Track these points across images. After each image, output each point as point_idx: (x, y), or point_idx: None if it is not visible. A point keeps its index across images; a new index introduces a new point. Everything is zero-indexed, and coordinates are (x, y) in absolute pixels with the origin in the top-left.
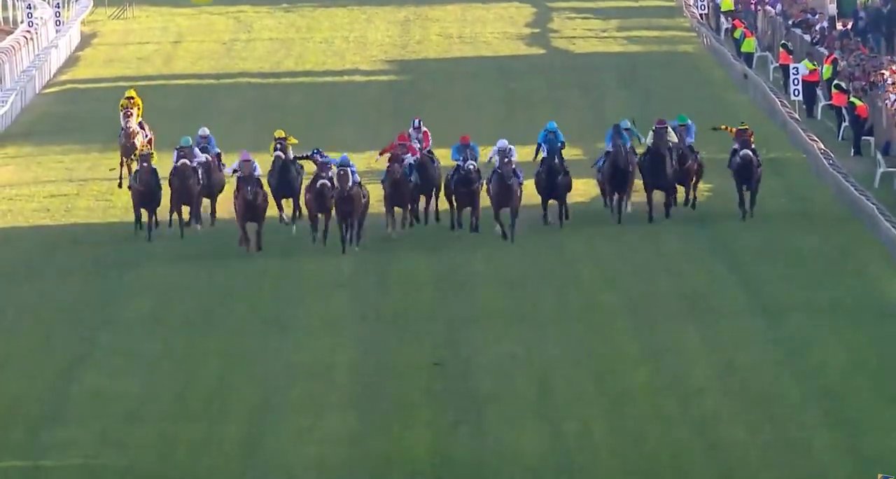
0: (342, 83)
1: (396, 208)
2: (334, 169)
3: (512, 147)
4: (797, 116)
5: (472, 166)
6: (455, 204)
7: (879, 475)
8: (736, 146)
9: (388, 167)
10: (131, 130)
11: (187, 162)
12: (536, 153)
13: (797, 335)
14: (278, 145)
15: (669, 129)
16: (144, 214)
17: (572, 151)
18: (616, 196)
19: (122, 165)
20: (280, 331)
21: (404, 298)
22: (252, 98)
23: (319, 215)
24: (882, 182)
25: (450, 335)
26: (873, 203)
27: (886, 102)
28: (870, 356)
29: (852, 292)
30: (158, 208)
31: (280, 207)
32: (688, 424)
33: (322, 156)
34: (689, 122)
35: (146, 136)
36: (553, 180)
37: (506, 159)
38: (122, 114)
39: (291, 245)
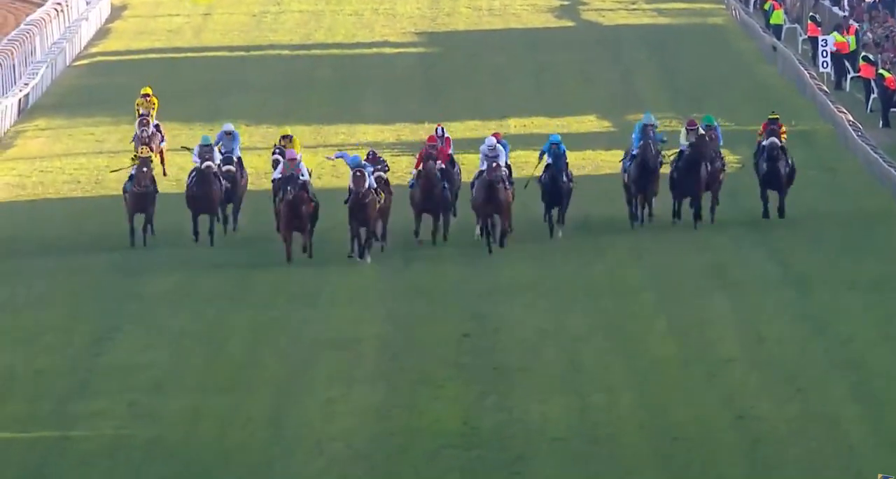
0: (371, 55)
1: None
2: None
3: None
4: (826, 87)
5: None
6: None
7: (879, 476)
8: (764, 142)
9: (422, 166)
10: (146, 138)
11: (211, 164)
12: (539, 162)
13: (825, 308)
14: (277, 149)
15: (701, 129)
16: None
17: (603, 123)
18: (640, 197)
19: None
20: (307, 304)
21: (431, 271)
22: (281, 70)
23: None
24: None
25: (477, 308)
26: None
27: None
28: (895, 329)
29: (880, 265)
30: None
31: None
32: (714, 396)
33: (377, 159)
34: (716, 123)
35: (161, 140)
36: (557, 188)
37: (493, 164)
38: (137, 122)
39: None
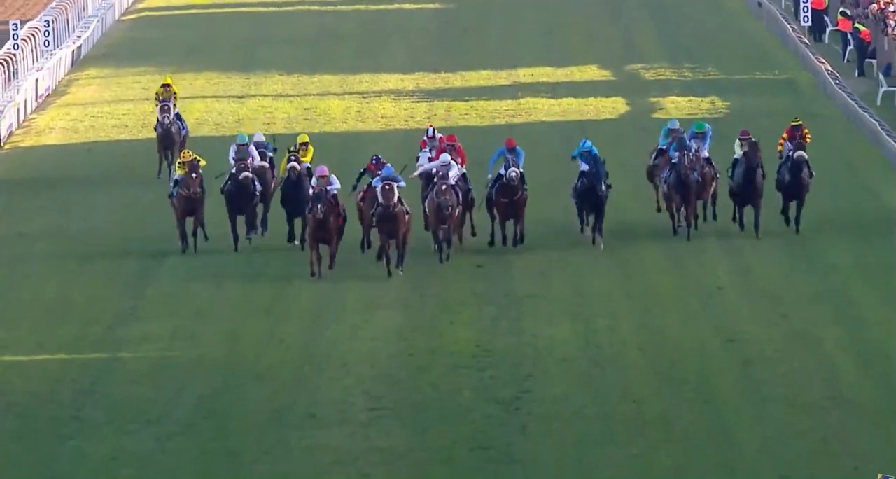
0: (392, 10)
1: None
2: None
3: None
4: (807, 40)
5: (514, 174)
6: (496, 216)
7: (880, 475)
8: (790, 150)
9: (435, 185)
10: (168, 123)
11: (248, 175)
12: (581, 165)
13: (807, 241)
14: (292, 157)
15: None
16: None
17: (603, 73)
18: (683, 208)
19: (160, 158)
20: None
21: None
22: (310, 25)
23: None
24: (883, 100)
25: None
26: (876, 119)
27: (888, 27)
28: (872, 259)
29: (857, 201)
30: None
31: (291, 232)
32: (707, 321)
33: (381, 165)
34: (707, 127)
35: (183, 130)
36: (596, 196)
37: (442, 186)
38: (158, 108)
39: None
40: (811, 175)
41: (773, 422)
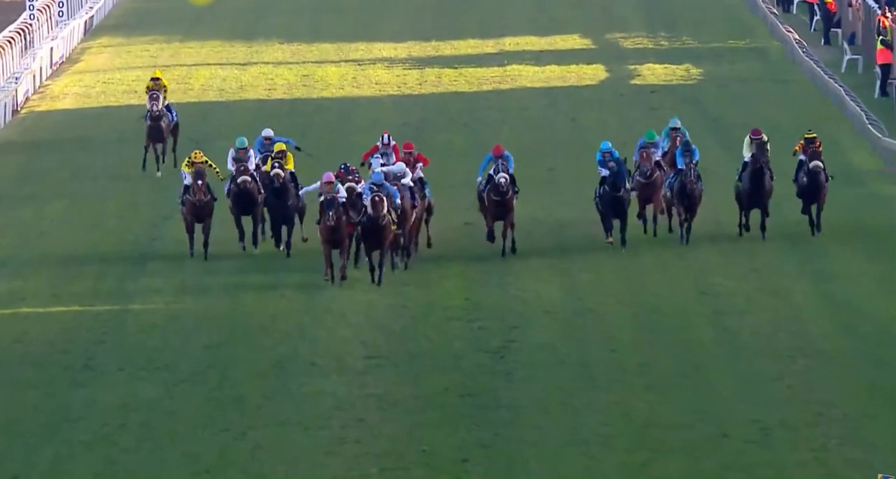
0: None
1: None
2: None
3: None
4: (775, 10)
5: (504, 180)
6: (487, 214)
7: (879, 476)
8: (803, 158)
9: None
10: (157, 113)
11: (248, 179)
12: (601, 171)
13: (777, 196)
14: (276, 163)
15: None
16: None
17: (584, 41)
18: (685, 216)
19: (146, 148)
20: None
21: (441, 167)
22: None
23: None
24: (847, 67)
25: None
26: (840, 85)
27: None
28: (840, 216)
29: (824, 159)
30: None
31: (277, 237)
32: (683, 274)
33: (350, 172)
34: (658, 139)
35: (172, 119)
36: (618, 200)
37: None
38: (147, 97)
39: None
40: (827, 179)
41: (743, 370)
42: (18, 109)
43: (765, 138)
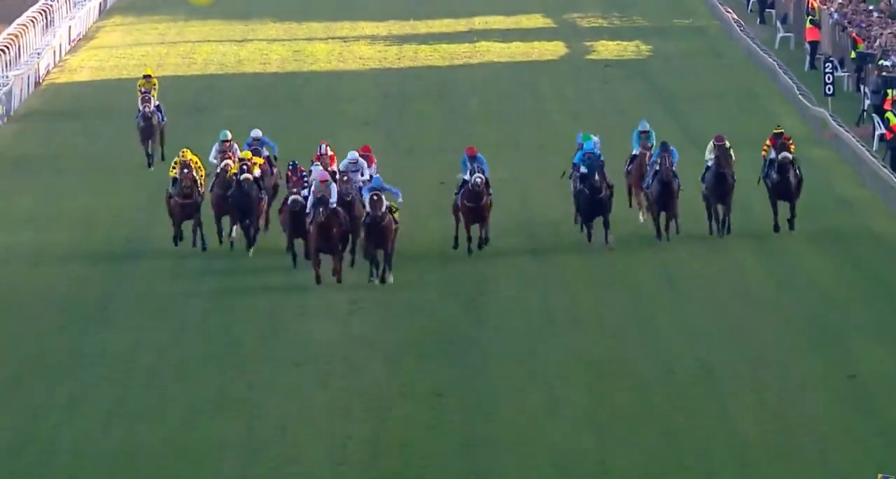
0: None
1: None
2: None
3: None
4: None
5: (479, 180)
6: (462, 219)
7: (879, 476)
8: (775, 156)
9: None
10: (149, 113)
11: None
12: (574, 172)
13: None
14: (244, 167)
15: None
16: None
17: (546, 20)
18: (664, 216)
19: (144, 146)
20: None
21: (417, 133)
22: None
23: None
24: (781, 44)
25: (452, 162)
26: (774, 60)
27: None
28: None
29: (759, 126)
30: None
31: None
32: (636, 231)
33: (298, 173)
34: (595, 140)
35: (162, 120)
36: (595, 198)
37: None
38: (140, 98)
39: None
40: (798, 176)
41: (689, 315)
42: (41, 81)
43: (727, 144)
